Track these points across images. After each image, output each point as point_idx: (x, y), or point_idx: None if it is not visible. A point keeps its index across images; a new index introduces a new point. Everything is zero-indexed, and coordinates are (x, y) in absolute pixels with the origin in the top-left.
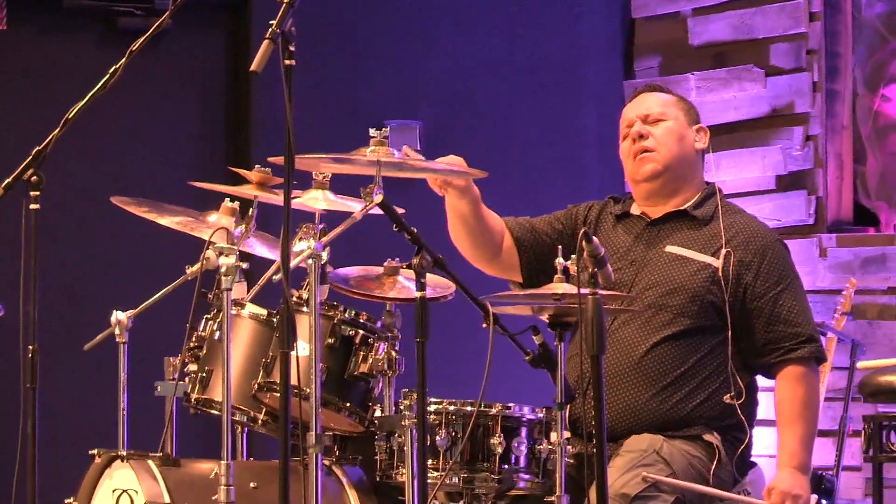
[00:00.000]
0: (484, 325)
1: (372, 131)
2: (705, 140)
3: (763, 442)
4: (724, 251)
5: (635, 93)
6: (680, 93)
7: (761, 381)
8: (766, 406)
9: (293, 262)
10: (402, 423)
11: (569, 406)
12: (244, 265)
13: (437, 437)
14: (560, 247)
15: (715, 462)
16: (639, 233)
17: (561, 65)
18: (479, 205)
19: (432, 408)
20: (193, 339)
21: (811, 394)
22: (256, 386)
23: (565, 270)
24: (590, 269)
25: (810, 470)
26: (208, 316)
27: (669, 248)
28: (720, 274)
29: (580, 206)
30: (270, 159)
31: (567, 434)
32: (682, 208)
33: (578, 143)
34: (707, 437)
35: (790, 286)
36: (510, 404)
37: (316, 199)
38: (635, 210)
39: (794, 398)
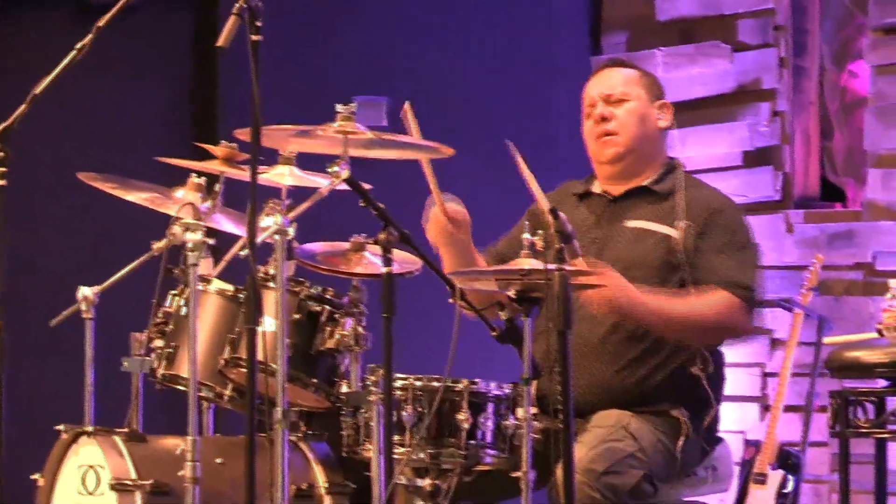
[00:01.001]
0: (450, 301)
1: (339, 107)
2: (669, 117)
3: (729, 417)
4: (683, 224)
5: (598, 67)
6: (647, 68)
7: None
8: (732, 382)
9: (259, 238)
10: (369, 398)
11: (535, 382)
12: (210, 241)
13: (404, 413)
14: (527, 223)
15: (682, 438)
16: (601, 211)
17: (528, 40)
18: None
19: (398, 383)
20: (160, 314)
21: (713, 305)
22: (223, 362)
23: (532, 246)
24: (557, 245)
25: (635, 309)
26: (174, 292)
27: (630, 223)
28: (680, 246)
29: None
30: (237, 132)
31: (534, 410)
32: (644, 184)
33: (546, 118)
34: (674, 412)
35: (735, 249)
36: (477, 380)
37: (282, 175)
38: (597, 188)
39: (697, 293)
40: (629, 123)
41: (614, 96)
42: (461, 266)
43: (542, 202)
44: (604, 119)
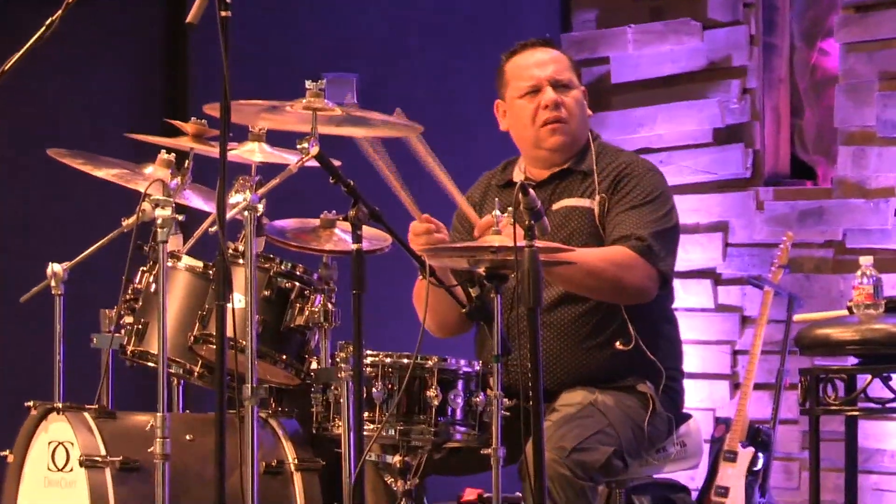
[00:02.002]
0: (420, 278)
1: (308, 83)
2: (587, 103)
3: (699, 394)
4: (598, 197)
5: (528, 45)
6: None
7: (690, 334)
8: (698, 359)
9: (229, 215)
10: (339, 375)
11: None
12: (180, 217)
13: (374, 390)
14: (497, 199)
15: (649, 411)
16: None
17: (498, 17)
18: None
19: (368, 360)
20: (129, 291)
21: (610, 256)
22: (192, 338)
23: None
24: (527, 222)
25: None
26: (144, 268)
27: (556, 206)
28: (597, 218)
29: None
30: (206, 108)
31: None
32: (565, 167)
33: None
34: (640, 387)
35: (637, 206)
36: (446, 357)
37: (252, 152)
38: (518, 176)
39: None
40: (577, 113)
41: (562, 81)
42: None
43: (459, 200)
44: (556, 106)
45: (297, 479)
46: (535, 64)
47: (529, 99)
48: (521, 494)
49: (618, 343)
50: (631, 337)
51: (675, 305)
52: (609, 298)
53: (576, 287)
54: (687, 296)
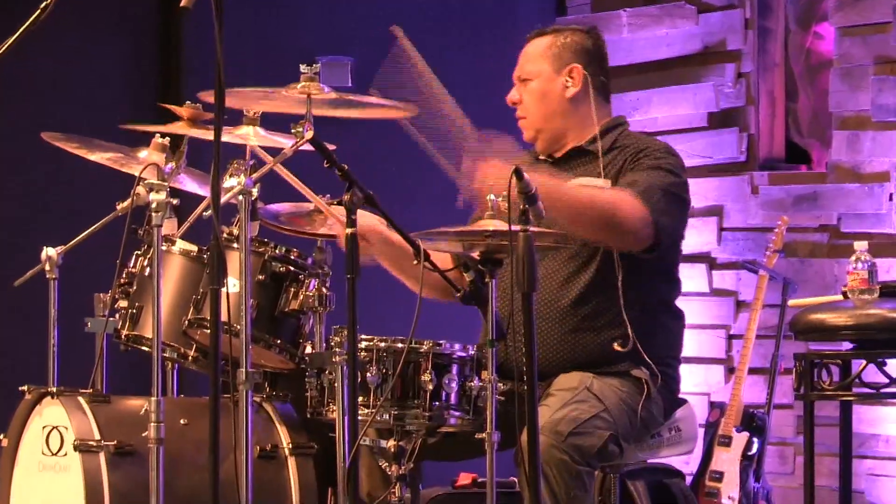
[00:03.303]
0: (414, 263)
1: (303, 67)
2: (578, 81)
3: (694, 379)
4: (612, 177)
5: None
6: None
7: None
8: (693, 343)
9: (223, 199)
10: (333, 359)
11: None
12: (174, 201)
13: (368, 374)
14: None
15: (644, 396)
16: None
17: (493, 1)
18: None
19: (363, 344)
20: (124, 275)
21: (609, 194)
22: (187, 322)
23: (496, 207)
24: (521, 206)
25: (528, 184)
26: (139, 252)
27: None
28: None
29: None
30: (201, 95)
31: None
32: (579, 145)
33: (510, 80)
34: (635, 372)
35: (649, 169)
36: (441, 341)
37: (247, 136)
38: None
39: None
40: (530, 105)
41: (522, 75)
42: (399, 267)
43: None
44: (514, 104)
45: (292, 463)
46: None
47: None
48: (515, 479)
49: (615, 344)
50: (629, 338)
51: None
52: (598, 233)
53: (567, 211)
54: (682, 280)
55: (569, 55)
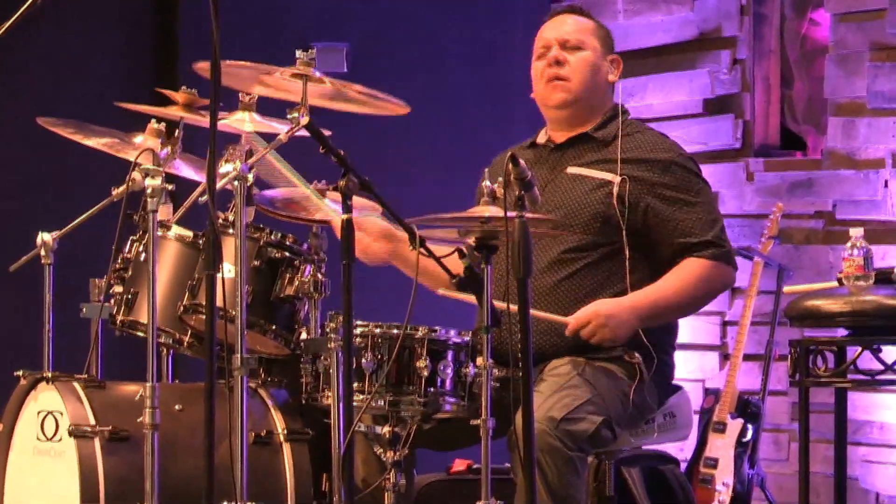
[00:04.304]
0: (410, 248)
1: (298, 53)
2: (618, 72)
3: (689, 365)
4: (621, 175)
5: (553, 12)
6: (607, 16)
7: None
8: (687, 330)
9: (219, 184)
10: (328, 345)
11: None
12: (170, 186)
13: (363, 360)
14: (486, 170)
15: (637, 381)
16: (544, 158)
17: None
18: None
19: (358, 330)
20: (119, 260)
21: (696, 278)
22: (182, 308)
23: (492, 193)
24: (517, 192)
25: (640, 317)
26: (134, 237)
27: (570, 170)
28: (615, 191)
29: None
30: (197, 66)
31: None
32: (586, 131)
33: (506, 67)
34: (628, 357)
35: (693, 200)
36: (436, 327)
37: (242, 121)
38: (541, 139)
39: (676, 272)
40: (582, 70)
41: (571, 42)
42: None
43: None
44: (558, 63)
45: (287, 449)
46: (551, 27)
47: (539, 57)
48: (510, 465)
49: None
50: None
51: None
52: (705, 304)
53: (681, 315)
54: None
55: (611, 44)
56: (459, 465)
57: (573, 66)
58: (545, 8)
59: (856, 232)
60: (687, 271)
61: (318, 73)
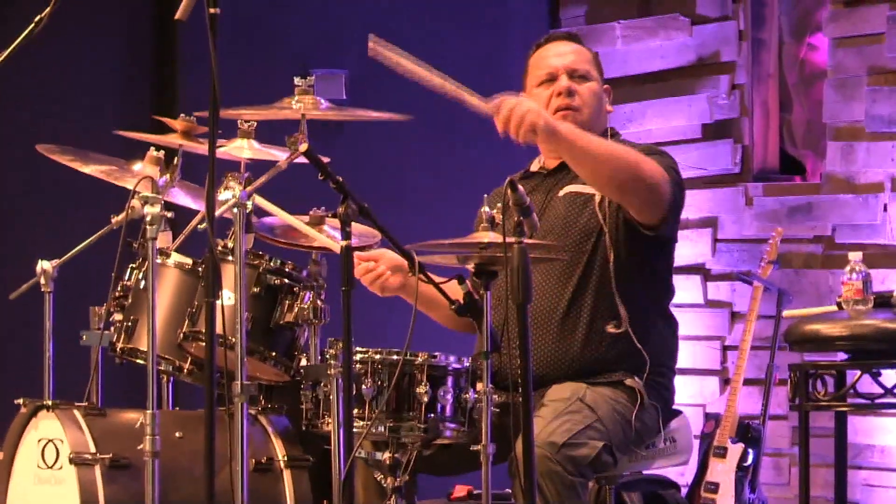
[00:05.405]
0: (409, 275)
1: (297, 80)
2: (610, 100)
3: (689, 390)
4: None
5: (550, 38)
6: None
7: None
8: (688, 355)
9: (218, 211)
10: (328, 372)
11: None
12: (169, 214)
13: (363, 387)
14: (486, 196)
15: (637, 406)
16: (538, 185)
17: (486, 14)
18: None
19: (358, 357)
20: (119, 288)
21: (633, 153)
22: (182, 335)
23: (491, 219)
24: (516, 218)
25: (557, 127)
26: (134, 265)
27: (562, 192)
28: (597, 199)
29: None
30: (195, 114)
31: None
32: None
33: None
34: (628, 381)
35: (656, 153)
36: (436, 353)
37: (241, 148)
38: (535, 167)
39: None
40: (590, 102)
41: (579, 71)
42: (427, 301)
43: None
44: (570, 93)
45: (287, 476)
46: (554, 54)
47: (545, 87)
48: (510, 491)
49: (609, 326)
50: (622, 320)
51: None
52: (622, 184)
53: (593, 158)
54: (676, 291)
55: (603, 72)
56: (460, 490)
57: (583, 98)
58: (543, 34)
59: (855, 256)
60: (630, 150)
61: (321, 101)
